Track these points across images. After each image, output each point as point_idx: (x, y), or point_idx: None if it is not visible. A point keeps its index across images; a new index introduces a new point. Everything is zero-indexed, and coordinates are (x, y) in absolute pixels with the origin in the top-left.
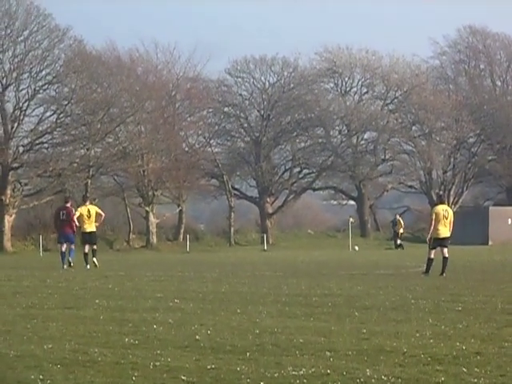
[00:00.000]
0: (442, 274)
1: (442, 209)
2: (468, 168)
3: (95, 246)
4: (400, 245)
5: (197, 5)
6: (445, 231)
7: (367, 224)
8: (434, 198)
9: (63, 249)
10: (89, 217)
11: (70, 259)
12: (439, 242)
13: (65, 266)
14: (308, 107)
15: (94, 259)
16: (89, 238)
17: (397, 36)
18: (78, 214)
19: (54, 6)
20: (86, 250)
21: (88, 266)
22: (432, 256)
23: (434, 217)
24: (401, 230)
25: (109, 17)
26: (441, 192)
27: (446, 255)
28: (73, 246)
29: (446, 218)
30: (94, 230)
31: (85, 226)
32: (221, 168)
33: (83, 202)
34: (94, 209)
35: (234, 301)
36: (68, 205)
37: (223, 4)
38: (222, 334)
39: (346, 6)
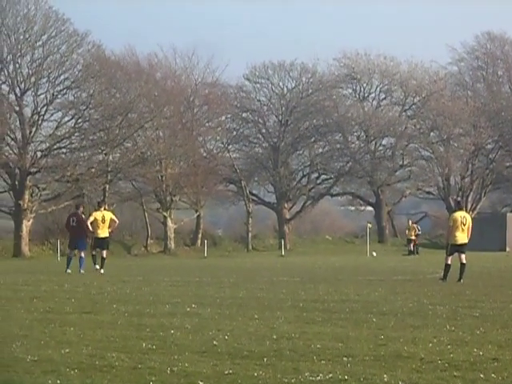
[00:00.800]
0: (459, 280)
1: (459, 215)
2: (486, 174)
3: (105, 254)
4: (411, 251)
5: (217, 9)
6: (462, 237)
7: (385, 230)
8: (452, 204)
9: (71, 254)
10: (103, 222)
11: (81, 269)
12: (457, 248)
13: (68, 270)
14: (326, 113)
15: (101, 270)
16: (101, 243)
17: (415, 42)
18: (92, 218)
19: (72, 11)
20: (94, 253)
21: (97, 266)
22: (449, 262)
23: (451, 223)
24: (412, 237)
25: (128, 21)
26: (459, 198)
27: (464, 261)
28: (83, 254)
29: (464, 225)
30: (107, 235)
31: (98, 231)
32: (239, 173)
33: (98, 207)
34: (108, 215)
35: (252, 306)
36: (79, 211)
37: (242, 8)
38: (239, 340)
39: (364, 13)
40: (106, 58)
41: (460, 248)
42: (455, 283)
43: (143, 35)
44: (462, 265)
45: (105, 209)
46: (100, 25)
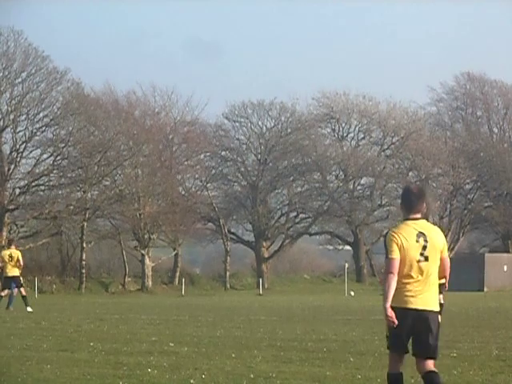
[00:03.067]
0: None
1: None
2: (464, 214)
3: (23, 291)
4: None
5: (197, 47)
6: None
7: (363, 269)
8: None
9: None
10: (11, 261)
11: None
12: None
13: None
14: (305, 152)
15: (28, 308)
16: (10, 282)
17: (394, 82)
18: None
19: (52, 49)
20: (3, 294)
21: (11, 308)
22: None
23: None
24: None
25: (107, 59)
26: None
27: (442, 301)
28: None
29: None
30: (16, 274)
31: (6, 270)
32: (217, 212)
33: (8, 246)
34: (16, 253)
35: (229, 345)
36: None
37: (222, 46)
38: (216, 379)
39: (343, 52)
40: (85, 95)
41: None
42: None
43: (122, 73)
44: (440, 305)
45: (16, 247)
46: (79, 62)
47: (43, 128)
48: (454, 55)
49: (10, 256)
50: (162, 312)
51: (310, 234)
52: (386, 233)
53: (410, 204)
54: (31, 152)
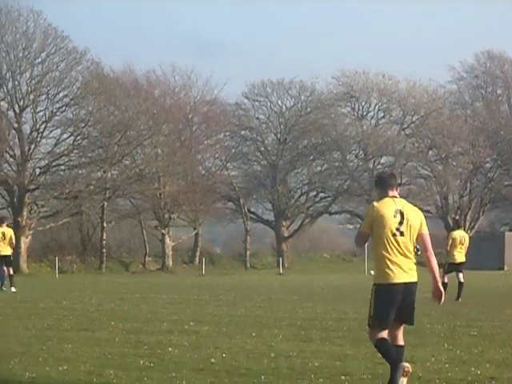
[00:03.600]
0: (457, 298)
1: (459, 234)
2: (484, 193)
3: (11, 270)
4: None
5: (216, 26)
6: (460, 256)
7: None
8: (451, 222)
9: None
10: (4, 239)
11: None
12: (454, 267)
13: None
14: (325, 131)
15: (12, 288)
16: (3, 261)
17: (414, 60)
18: None
19: (71, 28)
20: None
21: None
22: (446, 280)
23: (450, 242)
24: None
25: (126, 39)
26: (457, 217)
27: (462, 280)
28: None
29: (462, 244)
30: (8, 253)
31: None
32: (237, 191)
33: (0, 224)
34: (9, 232)
35: (250, 324)
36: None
37: (241, 25)
38: (236, 358)
39: (363, 31)
40: (105, 75)
41: (458, 267)
42: (453, 302)
43: (142, 52)
44: (460, 284)
45: (7, 226)
46: (99, 42)
47: (63, 108)
48: (473, 33)
49: (3, 234)
50: (183, 291)
51: (330, 213)
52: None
53: (386, 182)
54: (51, 132)
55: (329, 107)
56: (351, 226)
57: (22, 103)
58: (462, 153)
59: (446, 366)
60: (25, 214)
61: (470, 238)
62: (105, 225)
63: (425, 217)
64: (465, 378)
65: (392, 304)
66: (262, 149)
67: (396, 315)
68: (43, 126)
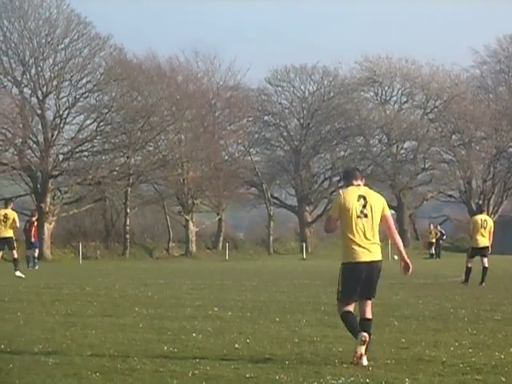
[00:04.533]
0: (481, 283)
1: (480, 218)
2: (508, 177)
3: (15, 254)
4: (432, 254)
5: (239, 12)
6: (483, 241)
7: (407, 233)
8: (474, 207)
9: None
10: (5, 221)
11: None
12: (478, 252)
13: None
14: (348, 116)
15: (17, 272)
16: (3, 243)
17: (437, 45)
18: None
19: (94, 14)
20: None
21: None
22: (470, 265)
23: (472, 226)
24: (433, 240)
25: (149, 25)
26: (480, 202)
27: (486, 265)
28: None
29: (485, 228)
30: (9, 235)
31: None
32: (260, 177)
33: (5, 206)
34: (12, 214)
35: (273, 309)
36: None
37: (264, 11)
38: (260, 343)
39: (386, 15)
40: (128, 61)
41: (481, 251)
42: (477, 286)
43: (164, 39)
44: (485, 268)
45: (12, 209)
46: (121, 28)
47: (86, 94)
48: (497, 17)
49: (5, 216)
50: (206, 277)
51: None
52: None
53: (351, 174)
54: (74, 118)
55: (352, 92)
56: None
57: (45, 89)
58: (485, 137)
59: (470, 350)
60: (48, 200)
61: (494, 222)
62: (128, 211)
63: (448, 202)
64: (488, 363)
65: (357, 281)
66: (285, 134)
67: (362, 291)
68: (66, 112)
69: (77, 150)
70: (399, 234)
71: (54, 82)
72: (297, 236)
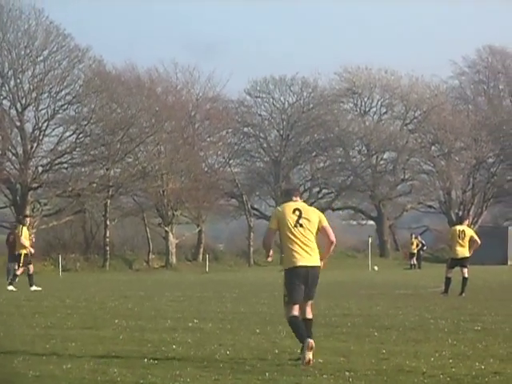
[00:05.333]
0: (461, 293)
1: (458, 229)
2: (487, 188)
3: (31, 269)
4: (412, 265)
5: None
6: (462, 251)
7: (387, 244)
8: (454, 218)
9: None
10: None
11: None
12: (457, 262)
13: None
14: (327, 127)
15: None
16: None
17: (416, 56)
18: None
19: (73, 25)
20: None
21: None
22: (449, 275)
23: (450, 237)
24: (414, 250)
25: (128, 36)
26: (460, 212)
27: (466, 275)
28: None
29: (463, 239)
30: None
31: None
32: (240, 188)
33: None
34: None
35: (254, 321)
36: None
37: (243, 22)
38: (241, 354)
39: (365, 26)
40: (107, 72)
41: (461, 262)
42: (457, 297)
43: (144, 49)
44: (464, 279)
45: (24, 225)
46: (100, 39)
47: (65, 106)
48: (475, 28)
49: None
50: (187, 288)
51: (333, 209)
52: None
53: (289, 193)
54: (54, 130)
55: (331, 103)
56: (354, 222)
57: (24, 101)
58: (465, 148)
59: (450, 361)
60: (27, 212)
61: (475, 232)
62: (108, 222)
63: (428, 212)
64: (469, 373)
65: (299, 283)
66: (265, 145)
67: (304, 293)
68: (45, 124)
69: (56, 161)
70: (379, 244)
71: (33, 94)
72: (277, 247)
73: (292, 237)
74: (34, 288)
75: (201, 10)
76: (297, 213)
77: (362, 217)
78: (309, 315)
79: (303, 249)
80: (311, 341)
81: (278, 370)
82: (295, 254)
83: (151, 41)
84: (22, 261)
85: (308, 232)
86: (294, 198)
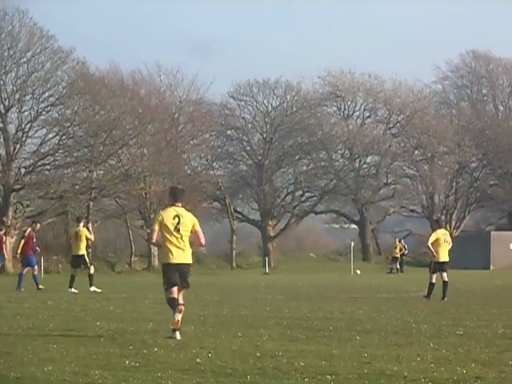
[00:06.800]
0: (443, 298)
1: (442, 233)
2: (470, 192)
3: (92, 269)
4: (392, 269)
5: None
6: (445, 255)
7: (369, 248)
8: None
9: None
10: (76, 239)
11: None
12: (440, 266)
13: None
14: (311, 131)
15: (93, 287)
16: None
17: (399, 60)
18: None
19: (57, 27)
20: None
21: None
22: (433, 280)
23: (433, 241)
24: (397, 254)
25: (112, 38)
26: (437, 216)
27: (446, 279)
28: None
29: (447, 242)
30: (81, 253)
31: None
32: (223, 191)
33: (77, 223)
34: (83, 232)
35: (235, 324)
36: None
37: (227, 25)
38: (222, 357)
39: (348, 30)
40: (91, 74)
41: (442, 266)
42: (439, 301)
43: (128, 52)
44: (445, 283)
45: (84, 226)
46: (84, 41)
47: (49, 107)
48: (459, 33)
49: (76, 234)
50: None
51: (316, 213)
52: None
53: (175, 197)
54: (37, 131)
55: (315, 107)
56: (337, 226)
57: (7, 103)
58: (448, 152)
59: (432, 365)
60: (10, 213)
61: (455, 237)
62: (90, 225)
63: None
64: (450, 378)
65: (174, 274)
66: (248, 148)
67: (178, 281)
68: (28, 125)
69: (39, 163)
70: (362, 248)
71: (17, 96)
72: (259, 250)
73: (170, 239)
74: (93, 288)
75: (183, 11)
76: (176, 219)
77: (345, 220)
78: (181, 301)
79: (178, 249)
80: (181, 304)
81: (259, 373)
82: (171, 252)
83: (135, 42)
84: (87, 261)
85: (184, 235)
86: (177, 204)
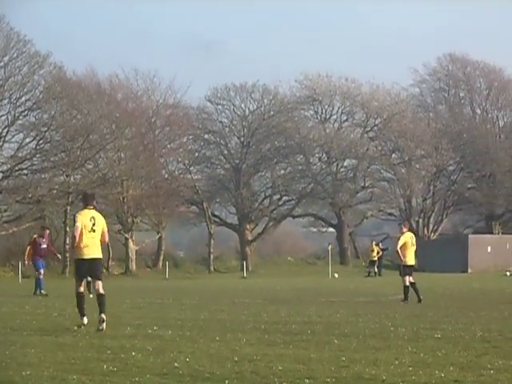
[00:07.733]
0: (419, 300)
1: (410, 236)
2: (447, 196)
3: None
4: (370, 272)
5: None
6: (413, 258)
7: (347, 251)
8: (414, 225)
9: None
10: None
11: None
12: (410, 269)
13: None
14: (288, 134)
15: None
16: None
17: (377, 64)
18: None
19: (34, 31)
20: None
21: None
22: (407, 283)
23: (402, 243)
24: (374, 258)
25: (89, 42)
26: (406, 220)
27: (413, 280)
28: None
29: (414, 245)
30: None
31: None
32: (200, 195)
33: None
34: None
35: (213, 328)
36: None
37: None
38: (200, 362)
39: (326, 34)
40: (68, 79)
41: (411, 268)
42: (417, 305)
43: (104, 55)
44: (413, 284)
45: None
46: (61, 45)
47: (26, 112)
48: (436, 36)
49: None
50: (146, 295)
51: (294, 217)
52: (74, 214)
53: (89, 199)
54: (14, 136)
55: (292, 110)
56: (315, 230)
57: None
58: (425, 156)
59: (410, 369)
60: None
61: (433, 240)
62: (68, 229)
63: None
64: (429, 381)
65: (85, 268)
66: (226, 152)
67: (92, 275)
68: (5, 130)
69: (16, 168)
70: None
71: None
72: (237, 254)
73: (85, 238)
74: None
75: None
76: (92, 221)
77: (323, 224)
78: (100, 291)
79: (91, 245)
80: (103, 316)
81: (237, 378)
82: (85, 249)
83: (112, 46)
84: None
85: (96, 235)
86: (89, 207)
